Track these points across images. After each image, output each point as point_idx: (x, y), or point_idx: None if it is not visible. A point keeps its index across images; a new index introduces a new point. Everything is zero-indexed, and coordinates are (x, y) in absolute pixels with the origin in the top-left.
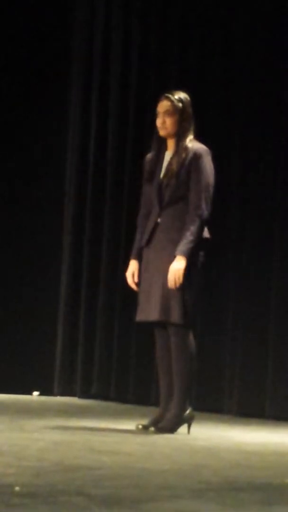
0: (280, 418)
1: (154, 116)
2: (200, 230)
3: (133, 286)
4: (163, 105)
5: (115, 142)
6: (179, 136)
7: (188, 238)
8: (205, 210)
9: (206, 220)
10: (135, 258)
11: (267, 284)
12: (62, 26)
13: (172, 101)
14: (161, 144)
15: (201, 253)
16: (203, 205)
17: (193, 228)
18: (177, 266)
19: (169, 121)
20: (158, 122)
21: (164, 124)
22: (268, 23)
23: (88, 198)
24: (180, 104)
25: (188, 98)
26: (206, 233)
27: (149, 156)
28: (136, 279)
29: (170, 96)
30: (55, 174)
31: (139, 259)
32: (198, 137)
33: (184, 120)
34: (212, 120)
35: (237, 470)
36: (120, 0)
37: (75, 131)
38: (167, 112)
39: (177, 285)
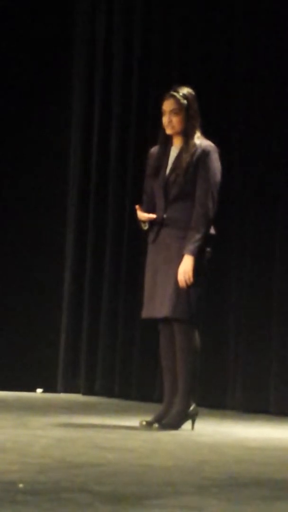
0: (284, 414)
1: (157, 112)
2: (207, 228)
3: (144, 215)
4: (168, 104)
5: (118, 136)
6: (187, 133)
7: (195, 237)
8: (211, 208)
9: (212, 218)
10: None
11: (270, 280)
12: (64, 19)
13: (177, 99)
14: (167, 140)
15: (208, 250)
16: (210, 203)
17: (199, 226)
18: (186, 267)
19: (175, 120)
20: (165, 120)
21: (171, 123)
22: (269, 20)
23: (91, 200)
24: (186, 101)
25: (193, 93)
26: (212, 230)
27: (153, 150)
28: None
29: (175, 94)
30: (57, 173)
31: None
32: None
33: (190, 117)
34: (214, 116)
35: (241, 466)
36: None
37: (78, 125)
38: (174, 111)
39: (188, 284)
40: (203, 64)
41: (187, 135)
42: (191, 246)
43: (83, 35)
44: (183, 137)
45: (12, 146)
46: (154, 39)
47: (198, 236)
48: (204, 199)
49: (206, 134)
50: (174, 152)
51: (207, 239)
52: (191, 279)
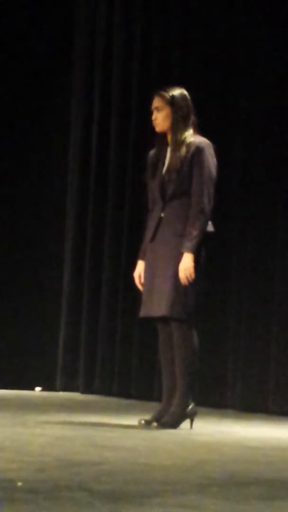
0: (283, 413)
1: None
2: (204, 224)
3: (140, 287)
4: (154, 102)
5: (117, 137)
6: (174, 130)
7: (192, 234)
8: (207, 204)
9: (209, 214)
10: (142, 259)
11: (270, 279)
12: (64, 22)
13: (161, 96)
14: (163, 141)
15: (204, 248)
16: (206, 199)
17: (197, 223)
18: (187, 264)
19: (160, 116)
20: (153, 118)
21: (156, 120)
22: (269, 20)
23: (90, 198)
24: (170, 98)
25: (184, 93)
26: (210, 227)
27: (151, 152)
28: (142, 280)
29: (160, 91)
30: (57, 175)
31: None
32: (201, 132)
33: (175, 113)
34: (213, 116)
35: (240, 465)
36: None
37: (78, 126)
38: (157, 108)
39: (190, 281)
40: (203, 64)
41: (174, 132)
42: (189, 243)
43: (83, 35)
44: (171, 134)
45: (11, 146)
46: (154, 39)
47: (195, 233)
48: (200, 196)
49: (206, 134)
50: (169, 151)
51: (205, 236)
52: (193, 275)
